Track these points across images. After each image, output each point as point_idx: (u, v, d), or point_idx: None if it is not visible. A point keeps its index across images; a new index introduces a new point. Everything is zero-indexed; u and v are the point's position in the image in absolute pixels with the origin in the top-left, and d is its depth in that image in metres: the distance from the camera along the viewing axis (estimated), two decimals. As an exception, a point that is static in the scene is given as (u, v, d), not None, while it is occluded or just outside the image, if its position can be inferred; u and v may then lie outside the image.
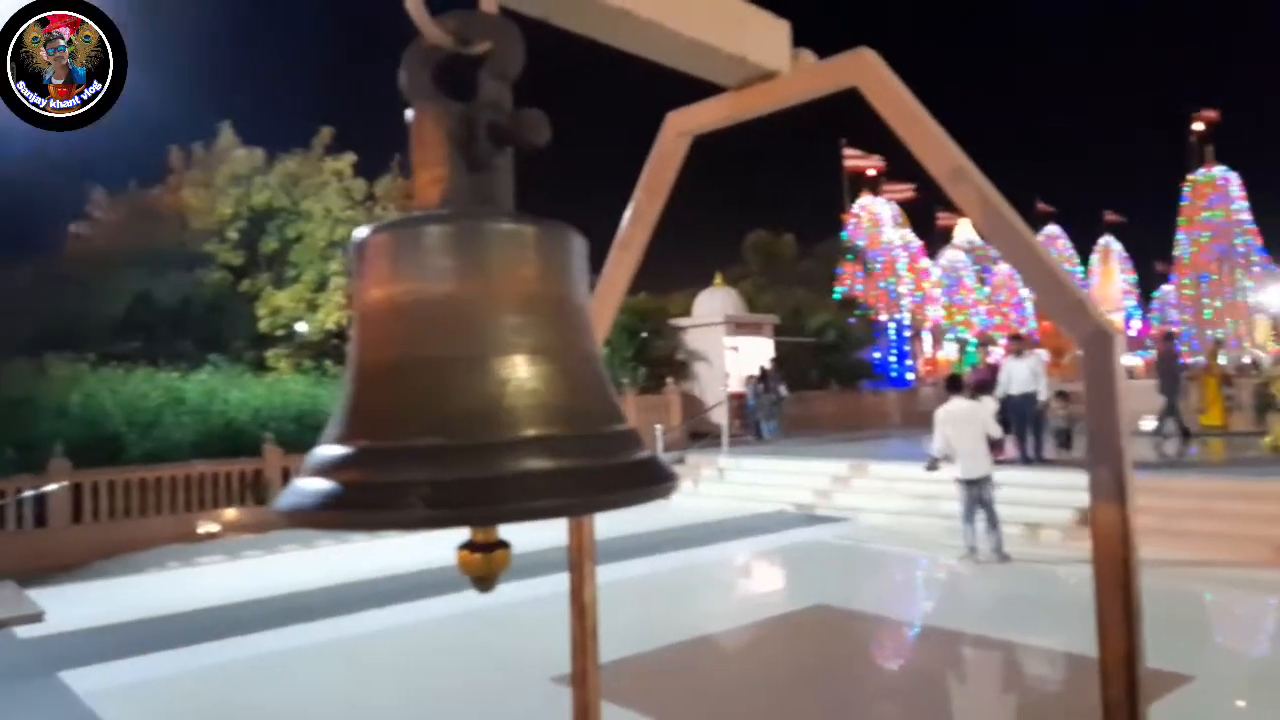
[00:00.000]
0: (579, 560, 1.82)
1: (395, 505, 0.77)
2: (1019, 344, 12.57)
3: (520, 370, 0.85)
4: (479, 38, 0.93)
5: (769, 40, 1.56)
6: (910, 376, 37.05)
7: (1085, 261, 51.28)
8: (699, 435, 18.45)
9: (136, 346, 15.61)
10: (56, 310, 16.02)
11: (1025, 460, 11.57)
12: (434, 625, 7.24)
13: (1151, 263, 50.51)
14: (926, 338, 41.06)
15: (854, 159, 42.77)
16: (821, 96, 1.59)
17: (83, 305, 16.39)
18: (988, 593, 8.30)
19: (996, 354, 29.76)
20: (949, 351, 41.80)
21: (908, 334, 38.93)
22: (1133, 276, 51.56)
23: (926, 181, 1.45)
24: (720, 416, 17.62)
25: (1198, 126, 43.53)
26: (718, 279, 23.91)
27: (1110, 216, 51.73)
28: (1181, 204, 43.34)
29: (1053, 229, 49.77)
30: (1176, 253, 44.04)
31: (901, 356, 38.13)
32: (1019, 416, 11.61)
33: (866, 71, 1.47)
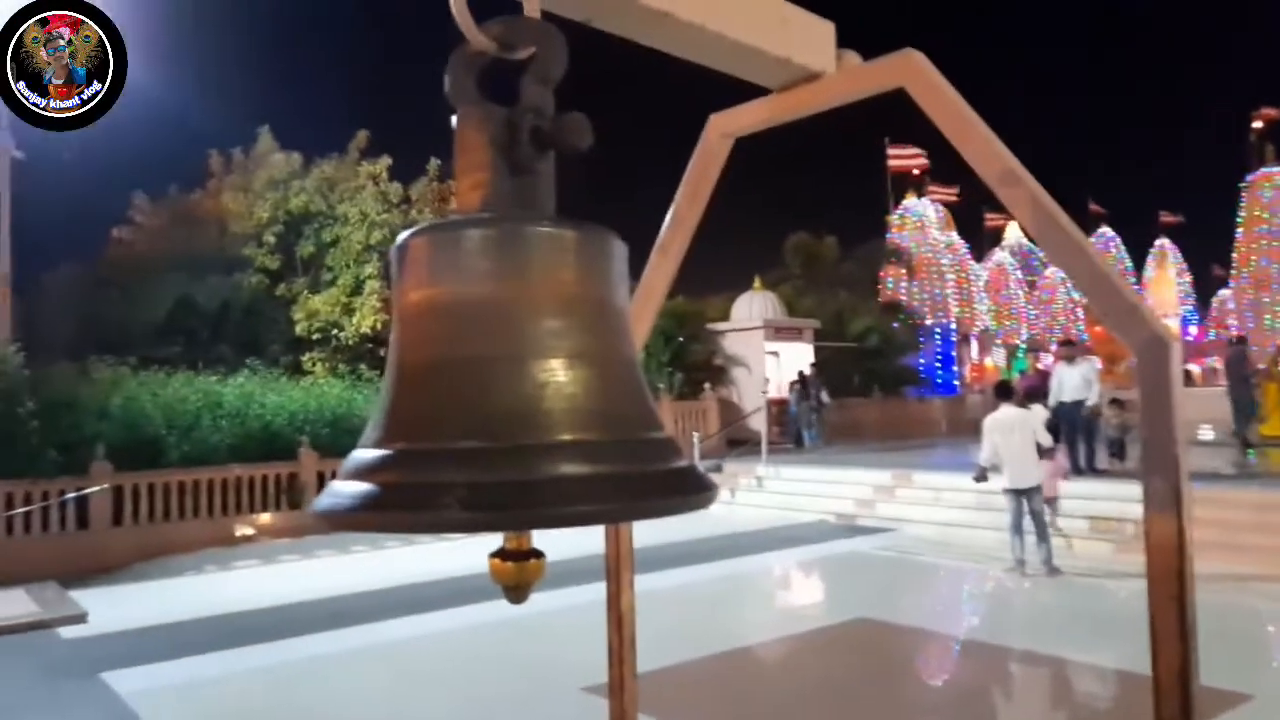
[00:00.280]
0: (616, 568, 1.80)
1: (431, 507, 0.77)
2: (1071, 350, 12.28)
3: (559, 374, 0.84)
4: (523, 43, 0.94)
5: (813, 41, 1.55)
6: (956, 383, 36.41)
7: (1140, 265, 50.00)
8: (737, 443, 18.15)
9: (177, 350, 15.80)
10: (99, 314, 16.32)
11: (1077, 470, 11.31)
12: (468, 633, 7.21)
13: (1209, 266, 49.07)
14: (973, 343, 40.33)
15: (898, 157, 42.21)
16: (866, 98, 1.57)
17: (125, 309, 16.65)
18: (1036, 606, 8.13)
19: (1047, 360, 29.10)
20: (997, 357, 41.03)
21: (954, 339, 38.27)
22: (1189, 280, 50.15)
23: (974, 182, 1.42)
24: (759, 423, 17.31)
25: (1258, 125, 42.20)
26: (757, 282, 23.52)
27: (1166, 218, 50.39)
28: (1240, 204, 42.05)
29: (1106, 231, 48.62)
30: (1235, 255, 42.70)
31: (947, 362, 37.46)
32: (1070, 425, 11.35)
33: (914, 73, 1.44)
